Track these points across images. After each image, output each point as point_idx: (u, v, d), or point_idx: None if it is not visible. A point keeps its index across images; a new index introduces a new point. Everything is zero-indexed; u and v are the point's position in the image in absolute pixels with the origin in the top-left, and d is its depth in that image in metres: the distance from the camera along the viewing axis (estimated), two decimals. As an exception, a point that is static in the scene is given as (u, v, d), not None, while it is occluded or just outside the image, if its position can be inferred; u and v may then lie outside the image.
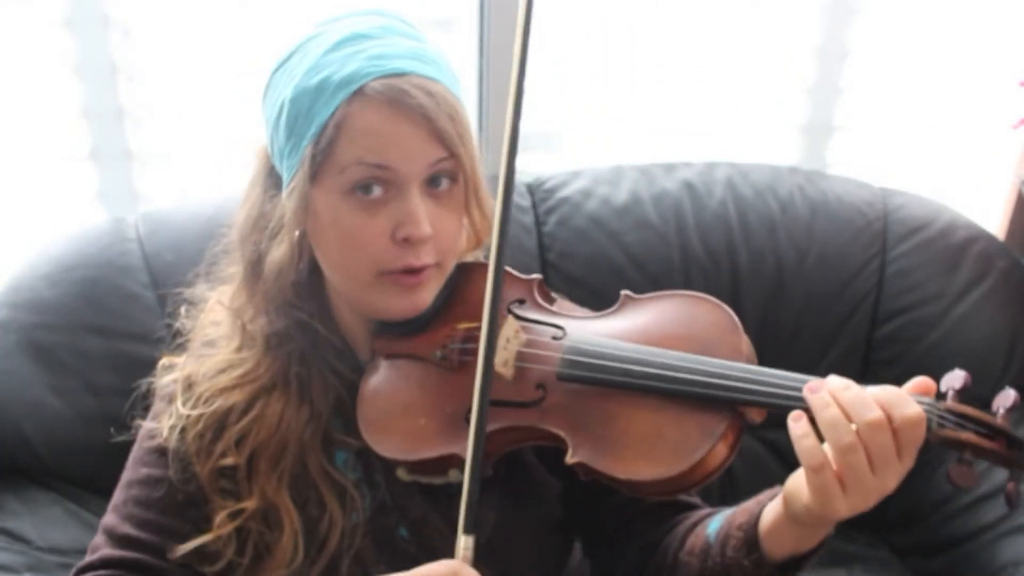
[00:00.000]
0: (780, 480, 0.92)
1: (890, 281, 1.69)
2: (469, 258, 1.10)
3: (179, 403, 1.04)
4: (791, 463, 0.86)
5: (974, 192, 1.94)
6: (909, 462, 0.82)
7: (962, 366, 1.63)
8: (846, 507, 0.81)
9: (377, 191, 0.94)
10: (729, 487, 1.61)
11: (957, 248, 1.69)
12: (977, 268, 1.67)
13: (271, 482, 1.01)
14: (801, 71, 1.89)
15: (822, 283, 1.68)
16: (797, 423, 0.82)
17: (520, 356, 0.97)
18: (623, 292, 1.03)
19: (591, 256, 1.64)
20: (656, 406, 0.90)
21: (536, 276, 1.07)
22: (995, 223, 1.87)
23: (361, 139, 0.93)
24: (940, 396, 0.87)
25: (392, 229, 0.95)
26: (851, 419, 0.80)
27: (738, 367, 0.89)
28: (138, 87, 1.64)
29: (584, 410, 0.92)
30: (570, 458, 0.90)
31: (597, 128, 1.90)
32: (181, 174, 1.73)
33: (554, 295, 1.10)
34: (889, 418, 0.80)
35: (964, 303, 1.65)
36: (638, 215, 1.67)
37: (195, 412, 1.02)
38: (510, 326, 0.99)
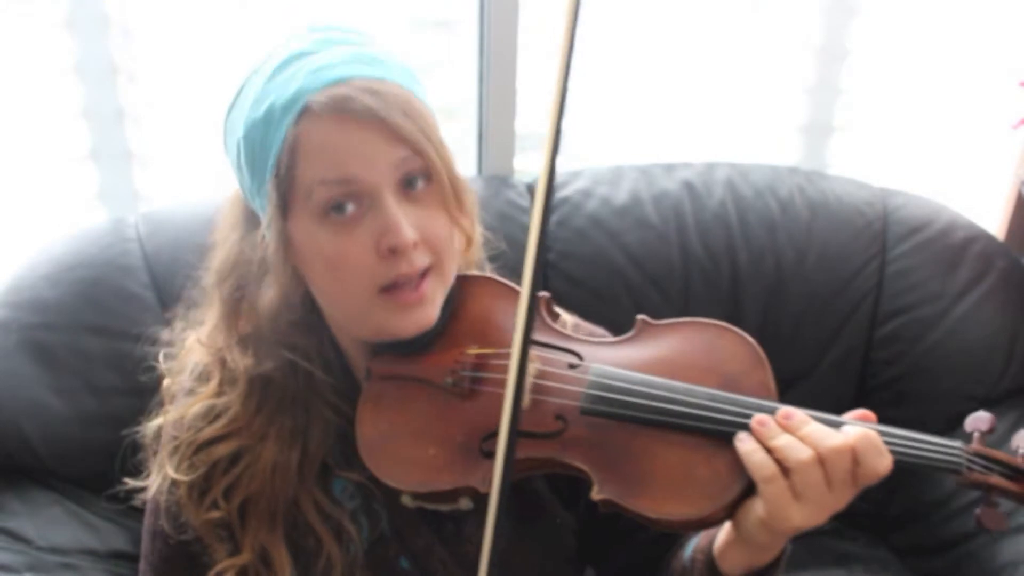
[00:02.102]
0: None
1: (890, 281, 1.69)
2: (474, 269, 1.06)
3: (165, 459, 1.00)
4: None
5: (974, 192, 1.95)
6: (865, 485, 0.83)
7: (962, 366, 1.64)
8: (800, 517, 0.81)
9: (351, 208, 0.89)
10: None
11: (957, 248, 1.68)
12: (977, 268, 1.67)
13: (263, 530, 0.98)
14: (801, 71, 1.89)
15: (822, 283, 1.68)
16: (743, 443, 0.83)
17: (536, 387, 0.91)
18: (639, 317, 0.97)
19: (591, 256, 1.64)
20: (685, 443, 0.86)
21: (544, 293, 1.01)
22: (995, 223, 1.87)
23: (317, 158, 0.88)
24: (966, 437, 0.89)
25: (375, 243, 0.89)
26: (815, 447, 0.81)
27: (768, 406, 0.86)
28: (138, 87, 1.64)
29: (609, 445, 0.88)
30: (596, 494, 0.86)
31: (597, 128, 1.90)
32: (181, 174, 1.72)
33: (556, 309, 1.05)
34: (856, 460, 0.81)
35: (964, 303, 1.65)
36: (638, 215, 1.67)
37: (180, 475, 0.98)
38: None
